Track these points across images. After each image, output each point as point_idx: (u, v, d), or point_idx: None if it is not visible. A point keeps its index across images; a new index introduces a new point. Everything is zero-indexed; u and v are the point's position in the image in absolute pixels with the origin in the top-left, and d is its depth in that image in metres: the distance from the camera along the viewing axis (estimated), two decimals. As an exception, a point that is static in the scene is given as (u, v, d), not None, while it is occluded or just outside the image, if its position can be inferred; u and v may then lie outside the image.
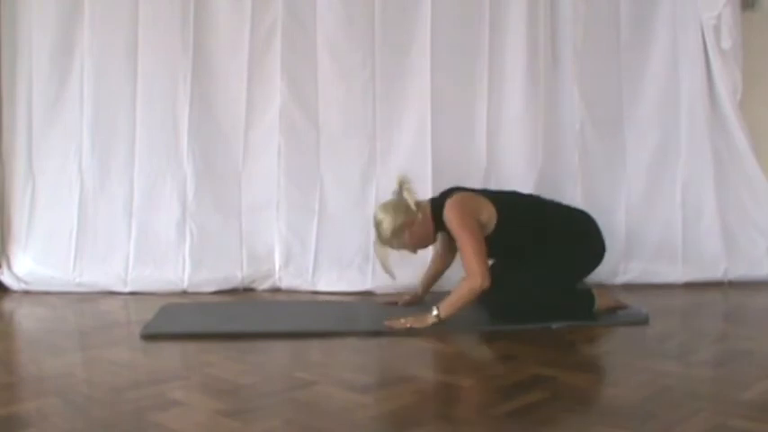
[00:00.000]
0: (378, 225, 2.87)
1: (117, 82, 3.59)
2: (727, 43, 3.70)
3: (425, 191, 3.61)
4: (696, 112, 3.77)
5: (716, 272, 3.72)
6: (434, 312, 2.66)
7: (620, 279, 3.73)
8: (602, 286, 3.24)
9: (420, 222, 2.86)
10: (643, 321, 2.82)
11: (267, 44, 3.62)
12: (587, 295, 2.90)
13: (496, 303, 2.80)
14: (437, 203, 2.90)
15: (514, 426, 1.71)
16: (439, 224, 2.88)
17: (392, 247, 2.89)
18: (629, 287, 3.64)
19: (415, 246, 2.92)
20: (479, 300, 2.76)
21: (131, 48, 3.58)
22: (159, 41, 3.58)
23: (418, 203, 2.89)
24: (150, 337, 2.63)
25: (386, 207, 2.91)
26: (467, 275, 2.69)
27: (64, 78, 3.59)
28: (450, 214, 2.80)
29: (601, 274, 3.69)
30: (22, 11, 3.58)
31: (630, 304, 3.01)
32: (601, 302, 2.89)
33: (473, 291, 2.67)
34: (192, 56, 3.59)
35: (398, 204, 2.89)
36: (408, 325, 2.67)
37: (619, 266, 3.73)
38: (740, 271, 3.72)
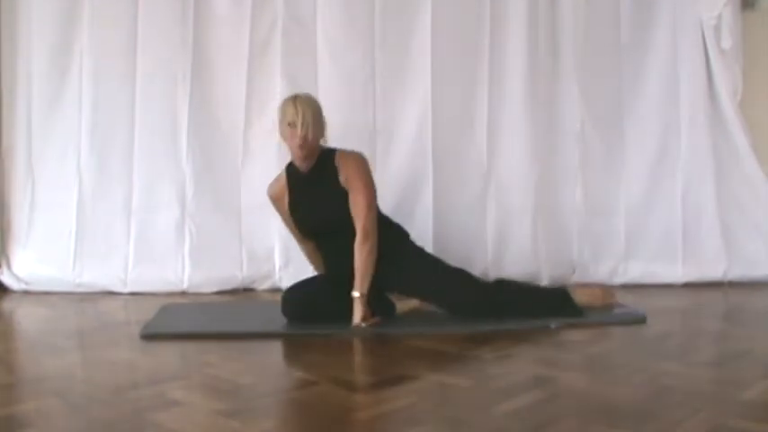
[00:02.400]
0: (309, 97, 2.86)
1: (116, 81, 3.59)
2: (727, 43, 3.70)
3: (426, 190, 3.62)
4: (696, 112, 3.77)
5: (716, 272, 3.72)
6: (357, 295, 2.71)
7: (620, 279, 3.73)
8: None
9: (318, 140, 2.83)
10: (641, 321, 2.82)
11: (267, 44, 3.63)
12: (561, 291, 3.00)
13: (460, 305, 2.84)
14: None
15: (514, 426, 1.71)
16: (322, 159, 2.84)
17: (307, 110, 2.76)
18: (629, 287, 3.64)
19: (306, 137, 2.75)
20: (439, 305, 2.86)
21: (131, 47, 3.58)
22: (159, 40, 3.59)
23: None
24: (150, 337, 2.63)
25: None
26: (363, 236, 2.74)
27: (63, 77, 3.60)
28: (354, 161, 2.82)
29: (601, 274, 3.71)
30: (21, 10, 3.59)
31: (626, 304, 3.02)
32: (586, 298, 2.96)
33: (373, 252, 2.75)
34: (191, 55, 3.59)
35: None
36: (363, 324, 2.69)
37: (619, 266, 3.74)
38: (740, 271, 3.72)
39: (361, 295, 2.72)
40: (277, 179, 3.01)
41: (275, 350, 2.55)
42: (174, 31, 3.59)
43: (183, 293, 3.55)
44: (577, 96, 3.73)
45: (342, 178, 2.82)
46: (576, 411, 1.85)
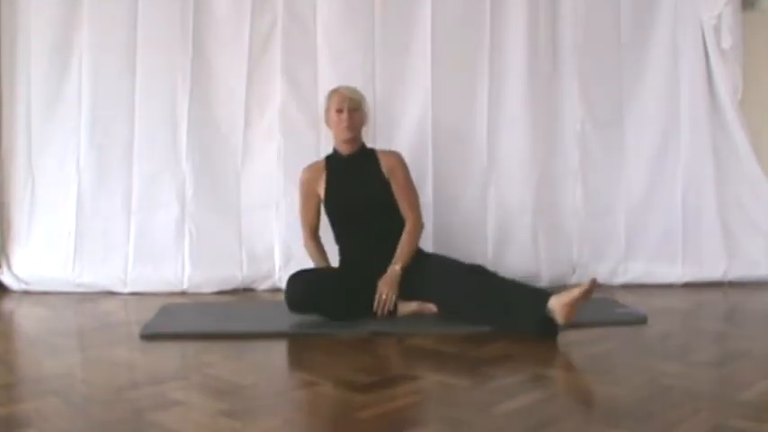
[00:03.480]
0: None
1: (116, 80, 3.59)
2: (727, 43, 3.70)
3: (426, 190, 3.62)
4: (696, 111, 3.77)
5: (716, 272, 3.72)
6: (397, 267, 2.90)
7: (620, 279, 3.73)
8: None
9: (363, 122, 3.11)
10: (641, 321, 2.82)
11: (267, 44, 3.63)
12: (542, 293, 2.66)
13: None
14: None
15: (514, 426, 1.71)
16: (363, 149, 3.12)
17: (354, 96, 3.06)
18: (629, 287, 3.65)
19: (352, 117, 3.02)
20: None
21: (130, 46, 3.58)
22: (158, 40, 3.59)
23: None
24: (150, 337, 2.63)
25: None
26: (413, 223, 3.03)
27: (63, 78, 3.59)
28: (399, 158, 3.11)
29: (601, 274, 3.71)
30: (21, 10, 3.58)
31: (626, 304, 3.01)
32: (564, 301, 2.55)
33: (419, 237, 3.05)
34: (191, 55, 3.59)
35: None
36: (391, 297, 2.84)
37: (619, 266, 3.73)
38: (740, 271, 3.72)
39: (400, 269, 2.90)
40: (315, 162, 3.18)
41: (275, 350, 2.55)
42: (174, 30, 3.58)
43: (183, 293, 3.54)
44: (577, 96, 3.73)
45: (385, 170, 3.05)
46: (576, 411, 1.85)
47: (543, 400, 1.91)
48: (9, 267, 3.64)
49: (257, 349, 2.53)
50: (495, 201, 3.68)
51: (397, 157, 3.12)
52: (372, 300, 2.85)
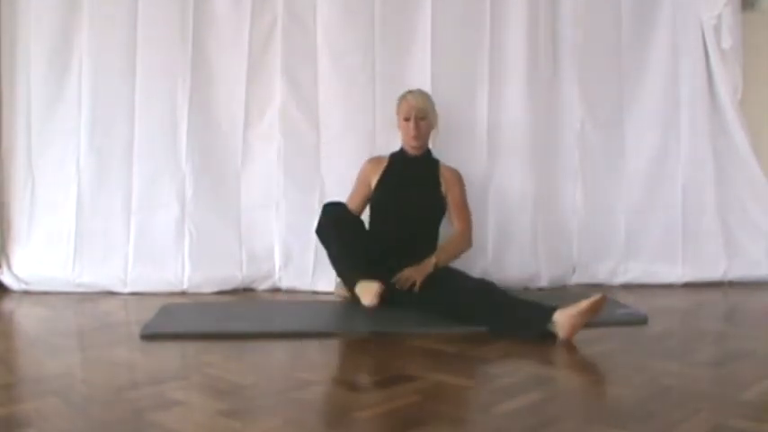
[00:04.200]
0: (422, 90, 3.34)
1: (116, 81, 3.58)
2: (727, 43, 3.71)
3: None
4: (696, 111, 3.77)
5: (716, 272, 3.72)
6: (433, 260, 3.02)
7: (620, 279, 3.73)
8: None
9: (431, 129, 3.31)
10: (642, 322, 2.82)
11: (267, 44, 3.63)
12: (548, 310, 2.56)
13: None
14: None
15: (514, 426, 1.71)
16: (428, 154, 3.34)
17: (422, 105, 3.23)
18: (629, 287, 3.65)
19: (419, 126, 3.22)
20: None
21: (130, 47, 3.57)
22: (158, 40, 3.58)
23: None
24: (150, 337, 2.63)
25: None
26: (463, 237, 3.22)
27: (62, 78, 3.59)
28: (461, 180, 3.30)
29: (601, 274, 3.71)
30: (21, 9, 3.58)
31: (627, 304, 3.01)
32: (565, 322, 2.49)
33: (465, 250, 3.23)
34: (191, 55, 3.59)
35: None
36: (415, 278, 2.94)
37: (619, 266, 3.74)
38: (740, 271, 3.72)
39: (435, 263, 3.01)
40: (380, 156, 3.39)
41: (275, 350, 2.55)
42: (174, 30, 3.58)
43: (183, 293, 3.54)
44: (577, 96, 3.73)
45: (443, 181, 3.27)
46: (575, 411, 1.85)
47: (543, 400, 1.91)
48: (9, 267, 3.64)
49: (257, 349, 2.53)
50: (494, 201, 3.68)
51: (457, 173, 3.31)
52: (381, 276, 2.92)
